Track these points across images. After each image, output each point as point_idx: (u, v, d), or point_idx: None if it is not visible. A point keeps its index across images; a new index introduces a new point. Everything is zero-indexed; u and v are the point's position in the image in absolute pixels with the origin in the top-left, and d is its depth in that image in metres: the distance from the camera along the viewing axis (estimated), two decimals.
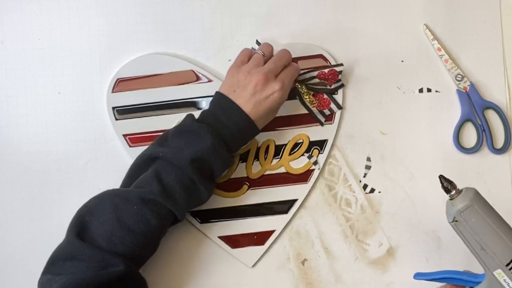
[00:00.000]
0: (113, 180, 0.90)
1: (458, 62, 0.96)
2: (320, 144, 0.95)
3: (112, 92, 0.95)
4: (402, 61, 0.97)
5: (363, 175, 0.95)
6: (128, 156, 0.94)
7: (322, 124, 0.95)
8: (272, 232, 0.94)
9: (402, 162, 0.95)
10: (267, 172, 0.94)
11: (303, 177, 0.95)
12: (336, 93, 0.95)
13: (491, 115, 0.95)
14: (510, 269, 0.73)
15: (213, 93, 0.90)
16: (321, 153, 0.95)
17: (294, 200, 0.94)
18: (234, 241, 0.94)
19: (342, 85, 0.95)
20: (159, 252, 0.88)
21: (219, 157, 0.85)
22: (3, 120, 0.97)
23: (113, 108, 0.95)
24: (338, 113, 0.95)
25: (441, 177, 0.76)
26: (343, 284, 0.93)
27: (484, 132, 0.95)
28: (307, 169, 0.95)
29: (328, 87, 0.94)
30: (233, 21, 0.97)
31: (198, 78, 0.95)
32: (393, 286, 0.93)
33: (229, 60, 0.96)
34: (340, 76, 0.94)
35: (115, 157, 0.95)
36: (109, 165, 0.95)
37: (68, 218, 0.92)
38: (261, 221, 0.94)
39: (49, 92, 0.96)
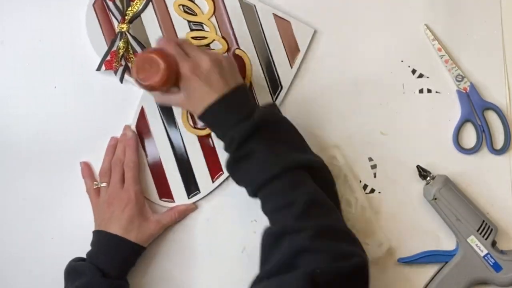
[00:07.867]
0: None
1: (458, 63, 0.96)
2: None
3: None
4: (402, 61, 0.97)
5: (363, 175, 0.95)
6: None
7: None
8: None
9: (402, 162, 0.95)
10: None
11: None
12: None
13: (491, 116, 0.95)
14: (480, 233, 0.90)
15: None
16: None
17: None
18: None
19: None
20: None
21: None
22: (3, 120, 0.97)
23: None
24: None
25: (419, 166, 0.93)
26: None
27: (484, 132, 0.95)
28: None
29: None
30: None
31: None
32: (393, 286, 0.94)
33: None
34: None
35: None
36: None
37: (69, 218, 0.92)
38: None
39: (49, 92, 0.96)
